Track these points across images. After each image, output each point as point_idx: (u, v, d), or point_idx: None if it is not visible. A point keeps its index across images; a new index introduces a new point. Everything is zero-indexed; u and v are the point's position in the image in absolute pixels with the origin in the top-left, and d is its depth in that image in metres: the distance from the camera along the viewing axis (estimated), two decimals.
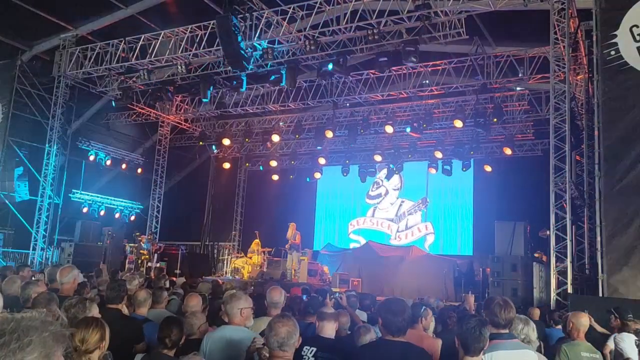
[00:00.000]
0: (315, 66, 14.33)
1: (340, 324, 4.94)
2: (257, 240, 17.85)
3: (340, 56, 13.17)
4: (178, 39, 14.27)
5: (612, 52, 9.38)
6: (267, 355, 3.01)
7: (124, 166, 20.91)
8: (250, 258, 17.41)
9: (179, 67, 14.61)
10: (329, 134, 17.72)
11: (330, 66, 13.30)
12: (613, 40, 9.39)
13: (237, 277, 16.63)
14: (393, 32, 12.84)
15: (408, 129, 16.96)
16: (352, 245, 20.94)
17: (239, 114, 19.02)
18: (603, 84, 9.51)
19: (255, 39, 13.13)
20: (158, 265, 17.15)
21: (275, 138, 19.00)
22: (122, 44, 14.79)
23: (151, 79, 15.24)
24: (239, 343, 3.80)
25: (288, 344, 2.91)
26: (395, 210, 21.40)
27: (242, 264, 17.42)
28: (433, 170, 19.48)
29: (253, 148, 21.86)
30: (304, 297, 7.15)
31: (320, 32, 12.90)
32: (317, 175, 21.28)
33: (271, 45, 13.48)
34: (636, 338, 4.96)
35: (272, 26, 13.30)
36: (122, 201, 21.50)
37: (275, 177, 21.87)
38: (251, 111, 18.62)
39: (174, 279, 11.82)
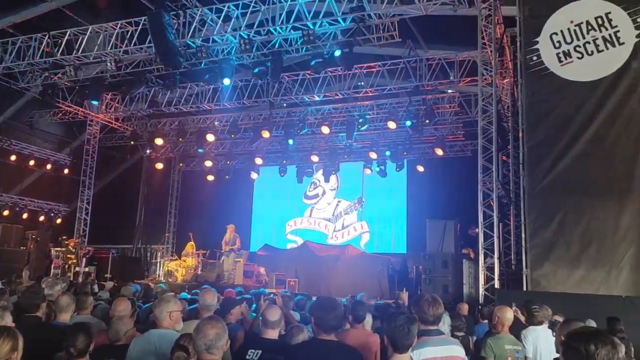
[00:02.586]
0: (250, 65, 14.21)
1: None
2: (191, 243, 17.48)
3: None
4: (107, 35, 13.74)
5: (535, 58, 9.86)
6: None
7: (49, 166, 19.94)
8: (185, 261, 17.03)
9: (108, 64, 14.07)
10: (266, 134, 17.62)
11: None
12: (535, 47, 9.87)
13: (170, 280, 16.22)
14: (328, 34, 12.94)
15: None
16: (289, 246, 20.91)
17: (172, 112, 18.57)
18: (526, 87, 9.99)
19: (189, 36, 12.87)
20: (86, 269, 16.48)
21: (210, 138, 18.69)
22: (47, 38, 14.08)
23: (78, 75, 14.60)
24: (166, 346, 3.70)
25: (216, 346, 2.85)
26: (332, 210, 21.57)
27: (175, 266, 17.01)
28: (368, 171, 19.82)
29: (187, 148, 21.39)
30: (239, 298, 7.11)
31: (255, 32, 12.82)
32: (254, 175, 21.12)
33: (205, 44, 13.25)
34: (549, 330, 5.19)
35: (207, 24, 13.08)
36: (47, 203, 20.49)
37: (210, 178, 21.49)
38: (185, 110, 18.22)
39: (103, 283, 11.38)
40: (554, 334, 4.74)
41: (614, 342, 2.21)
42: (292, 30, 12.61)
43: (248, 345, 3.93)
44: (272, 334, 4.06)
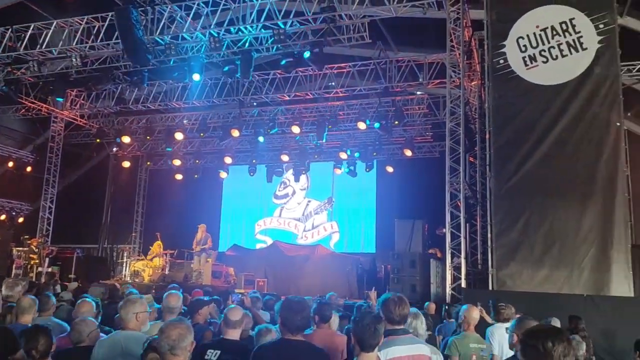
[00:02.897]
0: (220, 64, 14.10)
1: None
2: (158, 242, 17.22)
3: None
4: (73, 30, 13.44)
5: (501, 61, 10.04)
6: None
7: (11, 164, 19.38)
8: (152, 260, 16.78)
9: (74, 60, 13.76)
10: (235, 133, 17.50)
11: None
12: (502, 50, 10.05)
13: (137, 280, 15.96)
14: (299, 33, 12.94)
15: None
16: (258, 246, 20.81)
17: (140, 110, 18.28)
18: (493, 90, 10.15)
19: (157, 33, 12.69)
20: (50, 269, 16.08)
21: (179, 136, 18.47)
22: (9, 32, 13.68)
23: (42, 71, 14.24)
24: (132, 348, 3.64)
25: (180, 347, 2.82)
26: (302, 210, 21.56)
27: (142, 266, 16.74)
28: (338, 171, 19.88)
29: (155, 146, 21.08)
30: (207, 299, 7.05)
31: (225, 30, 12.72)
32: (223, 174, 20.94)
33: (174, 41, 13.08)
34: (506, 326, 5.30)
35: (176, 21, 12.92)
36: (8, 202, 19.91)
37: (178, 177, 21.20)
38: (153, 108, 17.96)
39: (66, 284, 11.12)
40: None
41: (569, 339, 2.26)
42: (262, 29, 12.57)
43: (207, 345, 3.90)
44: (233, 335, 4.02)
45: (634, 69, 12.90)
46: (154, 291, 10.88)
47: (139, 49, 12.20)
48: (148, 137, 19.06)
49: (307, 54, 12.66)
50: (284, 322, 3.42)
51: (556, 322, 6.54)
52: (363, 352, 3.10)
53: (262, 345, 3.80)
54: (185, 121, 19.19)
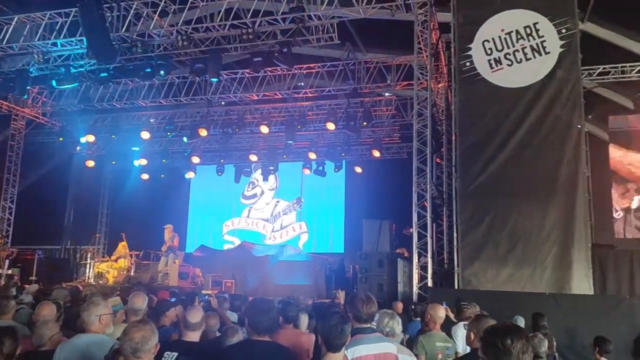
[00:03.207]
0: (187, 62, 13.93)
1: (209, 326, 4.83)
2: (123, 243, 16.90)
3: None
4: (35, 26, 13.08)
5: (468, 64, 10.22)
6: None
7: None
8: (116, 262, 16.46)
9: (36, 56, 13.39)
10: (203, 132, 17.30)
11: None
12: (468, 53, 10.23)
13: (101, 282, 15.64)
14: (268, 33, 12.89)
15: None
16: (226, 247, 20.64)
17: (105, 108, 17.91)
18: (460, 92, 10.33)
19: (123, 30, 12.47)
20: (9, 272, 15.61)
21: (145, 135, 18.16)
22: None
23: (2, 67, 13.83)
24: (95, 352, 3.55)
25: (143, 349, 2.77)
26: (271, 210, 21.48)
27: (106, 268, 16.40)
28: (307, 171, 19.87)
29: (120, 145, 20.62)
30: (174, 300, 6.94)
31: (193, 28, 12.58)
32: (191, 174, 20.69)
33: (141, 39, 12.87)
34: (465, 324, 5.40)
35: (142, 19, 12.72)
36: None
37: (145, 176, 20.84)
38: (119, 106, 17.62)
39: (26, 286, 10.81)
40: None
41: (527, 337, 2.34)
42: (231, 28, 12.47)
43: (165, 347, 3.85)
44: (193, 336, 3.97)
45: (594, 73, 13.29)
46: (119, 293, 10.66)
47: (104, 46, 11.96)
48: (113, 136, 18.69)
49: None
50: (251, 322, 3.41)
51: (521, 321, 6.69)
52: (329, 352, 3.11)
53: (229, 346, 3.77)
54: (151, 120, 18.90)
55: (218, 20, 12.24)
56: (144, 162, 20.02)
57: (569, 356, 7.35)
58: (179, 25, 12.50)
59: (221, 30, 12.56)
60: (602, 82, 13.65)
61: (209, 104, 17.45)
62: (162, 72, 13.37)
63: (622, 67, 13.15)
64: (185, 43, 12.42)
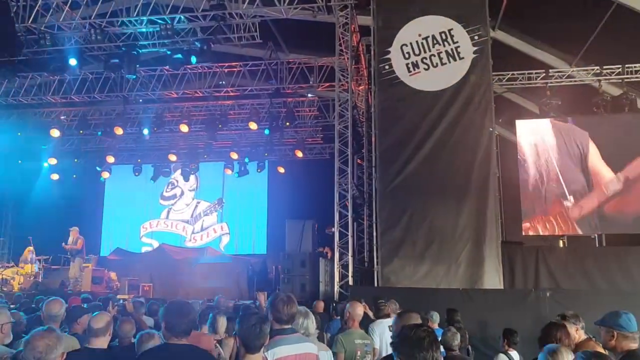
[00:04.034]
0: (102, 57, 13.32)
1: (124, 332, 4.65)
2: (30, 247, 15.85)
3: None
4: None
5: (387, 67, 10.48)
6: None
7: None
8: (22, 267, 15.44)
9: None
10: (119, 131, 16.63)
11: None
12: (387, 56, 10.50)
13: (5, 289, 14.60)
14: (187, 30, 12.58)
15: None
16: (144, 249, 19.97)
17: (11, 104, 16.76)
18: (379, 95, 10.57)
19: (30, 22, 11.73)
20: None
21: (55, 133, 17.17)
22: None
23: None
24: None
25: (46, 359, 2.60)
26: (191, 211, 21.01)
27: (12, 274, 15.32)
28: (229, 171, 19.61)
29: (27, 143, 19.38)
30: (85, 306, 6.62)
31: (108, 22, 12.05)
32: (105, 174, 19.82)
33: (50, 31, 12.16)
34: (387, 322, 5.54)
35: (52, 10, 12.02)
36: None
37: (55, 177, 19.72)
38: (26, 102, 16.57)
39: None
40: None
41: (434, 333, 2.48)
42: (149, 24, 12.07)
43: (70, 356, 3.65)
44: (99, 343, 3.80)
45: (503, 78, 14.03)
46: (25, 300, 10.01)
47: (8, 38, 11.20)
48: (19, 134, 17.55)
49: (194, 59, 12.58)
50: (168, 326, 3.29)
51: (436, 316, 6.94)
52: (248, 353, 3.06)
53: (145, 351, 3.63)
54: (62, 117, 17.92)
55: (135, 15, 11.80)
56: (53, 161, 18.95)
57: (481, 348, 7.69)
58: (92, 18, 11.93)
59: (138, 26, 12.13)
60: (510, 87, 14.43)
61: (126, 101, 16.80)
62: (73, 67, 12.67)
63: (528, 73, 13.98)
64: (99, 37, 11.88)
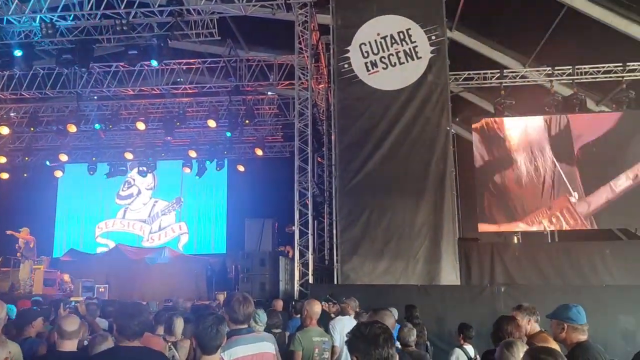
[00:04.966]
0: (54, 52, 12.89)
1: None
2: None
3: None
4: None
5: (346, 66, 10.51)
6: None
7: None
8: None
9: None
10: (72, 128, 16.15)
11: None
12: (347, 55, 10.53)
13: None
14: (144, 25, 12.32)
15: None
16: (99, 250, 19.45)
17: None
18: (338, 93, 10.59)
19: None
20: None
21: (5, 131, 16.54)
22: None
23: None
24: None
25: None
26: (148, 210, 20.60)
27: None
28: (187, 170, 19.30)
29: None
30: (35, 309, 6.43)
31: (60, 16, 11.67)
32: (58, 173, 19.20)
33: None
34: (346, 319, 5.57)
35: (0, 3, 11.56)
36: None
37: (5, 176, 19.01)
38: None
39: None
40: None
41: (389, 329, 2.50)
42: (103, 18, 11.74)
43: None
44: (70, 346, 3.71)
45: (460, 78, 14.28)
46: None
47: None
48: None
49: (155, 62, 12.52)
50: (119, 328, 3.22)
51: (394, 313, 6.99)
52: (205, 354, 3.02)
53: (96, 354, 3.53)
54: (12, 114, 17.27)
55: (88, 9, 11.46)
56: (3, 159, 18.26)
57: (439, 344, 7.80)
58: (43, 12, 11.53)
59: (92, 20, 11.79)
60: (467, 87, 14.71)
61: (79, 97, 16.32)
62: (19, 59, 12.19)
63: (484, 73, 14.27)
64: (50, 32, 11.47)
